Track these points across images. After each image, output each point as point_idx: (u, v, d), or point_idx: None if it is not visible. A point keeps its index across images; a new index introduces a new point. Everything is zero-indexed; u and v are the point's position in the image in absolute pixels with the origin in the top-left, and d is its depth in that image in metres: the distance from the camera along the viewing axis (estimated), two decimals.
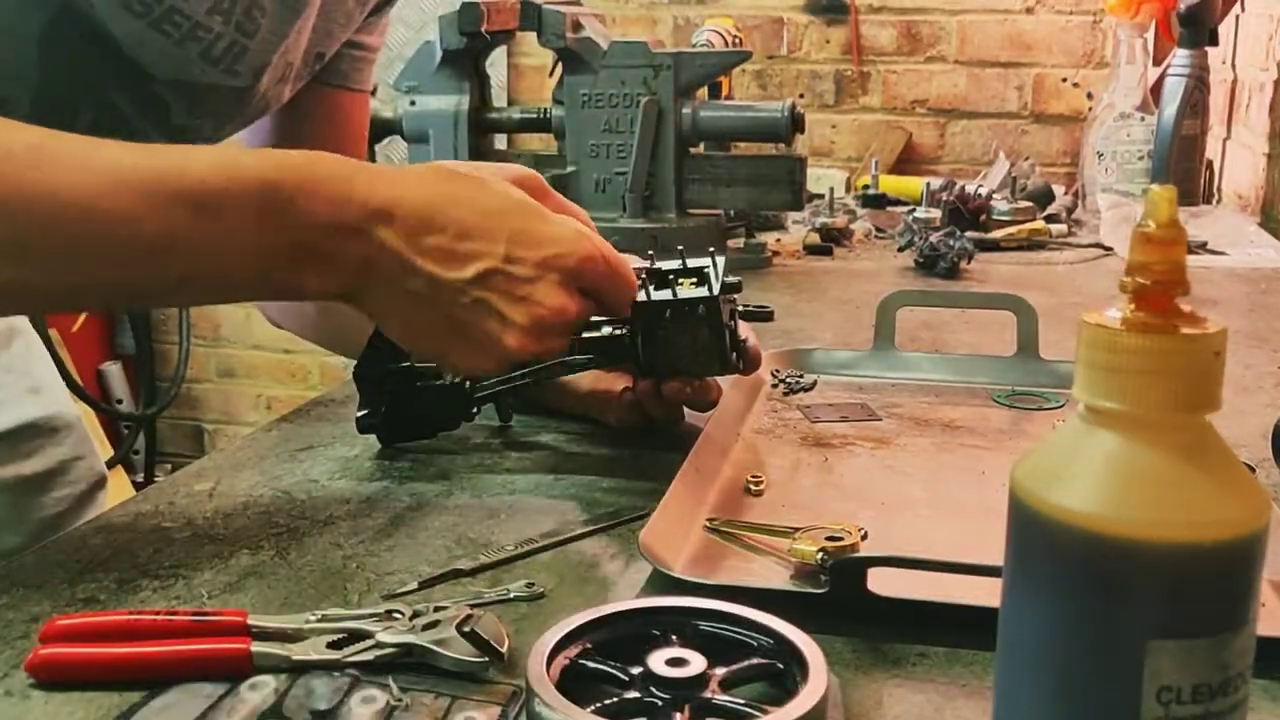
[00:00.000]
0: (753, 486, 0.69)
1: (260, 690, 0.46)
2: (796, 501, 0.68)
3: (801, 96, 2.66)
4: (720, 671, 0.45)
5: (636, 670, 0.45)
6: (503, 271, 0.61)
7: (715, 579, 0.56)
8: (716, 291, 0.69)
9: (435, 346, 0.64)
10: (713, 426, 0.76)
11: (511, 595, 0.55)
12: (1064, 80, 2.56)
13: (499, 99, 2.48)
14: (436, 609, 0.50)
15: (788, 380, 0.91)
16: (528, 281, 0.61)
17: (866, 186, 1.97)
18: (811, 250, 1.51)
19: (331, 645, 0.49)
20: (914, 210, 1.61)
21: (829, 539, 0.58)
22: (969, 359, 0.94)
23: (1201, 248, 1.54)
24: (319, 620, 0.50)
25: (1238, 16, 2.04)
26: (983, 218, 1.62)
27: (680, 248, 0.71)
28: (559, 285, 0.62)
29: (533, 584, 0.56)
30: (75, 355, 2.93)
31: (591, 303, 0.65)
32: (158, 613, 0.50)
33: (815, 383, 0.92)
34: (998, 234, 1.58)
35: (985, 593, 0.44)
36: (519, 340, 0.62)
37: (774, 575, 0.58)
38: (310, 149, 0.62)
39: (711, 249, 0.72)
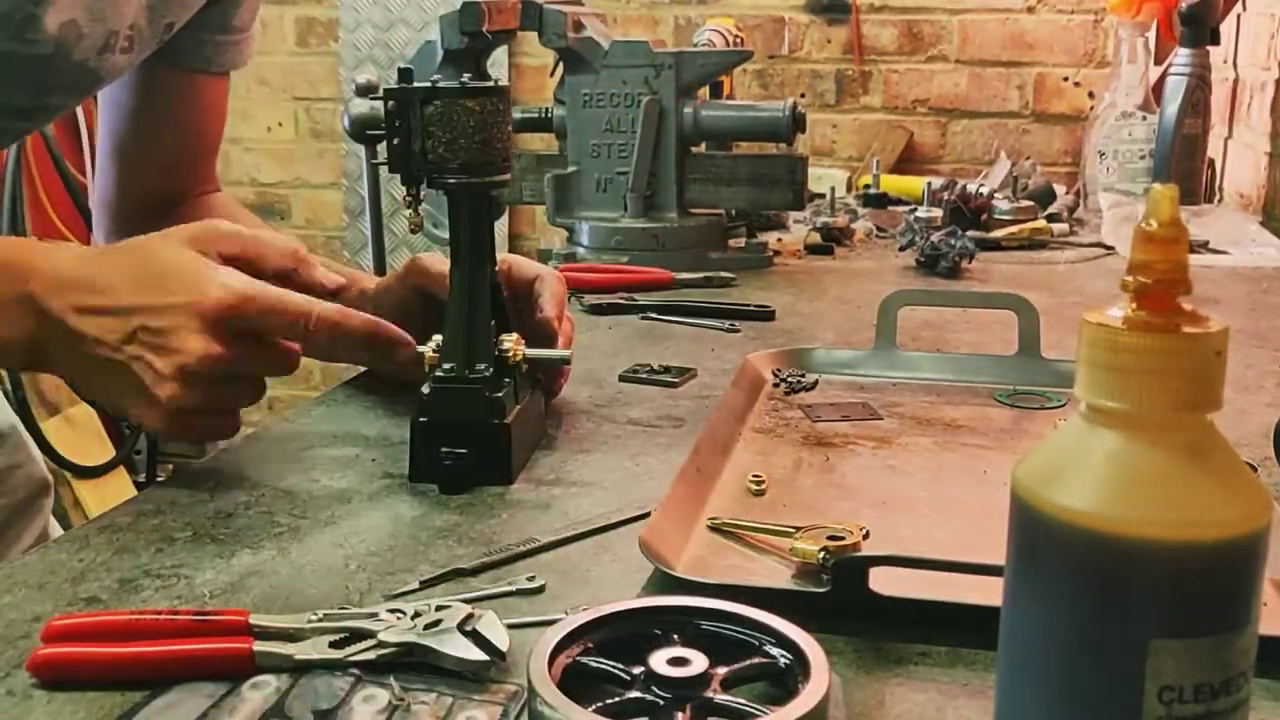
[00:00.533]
0: (754, 486, 0.69)
1: (262, 690, 0.47)
2: (798, 501, 0.68)
3: (803, 96, 2.66)
4: (722, 671, 0.45)
5: (638, 670, 0.45)
6: (146, 327, 0.65)
7: (716, 579, 0.56)
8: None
9: (112, 401, 0.69)
10: (714, 426, 0.76)
11: (514, 588, 0.55)
12: (1065, 79, 2.56)
13: None
14: (439, 608, 0.50)
15: (789, 380, 0.91)
16: (168, 333, 0.65)
17: (868, 186, 1.98)
18: (813, 250, 1.51)
19: (333, 644, 0.49)
20: (915, 210, 1.61)
21: (830, 538, 0.58)
22: (971, 358, 0.94)
23: (1203, 247, 1.53)
24: (320, 620, 0.50)
25: (1239, 15, 2.03)
26: (984, 217, 1.62)
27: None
28: (198, 332, 0.65)
29: (533, 576, 0.56)
30: None
31: (249, 344, 0.67)
32: (159, 612, 0.50)
33: (817, 382, 0.92)
34: (999, 233, 1.58)
35: (987, 592, 0.44)
36: (169, 390, 0.65)
37: (776, 575, 0.58)
38: (168, 131, 0.88)
39: None
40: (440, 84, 0.68)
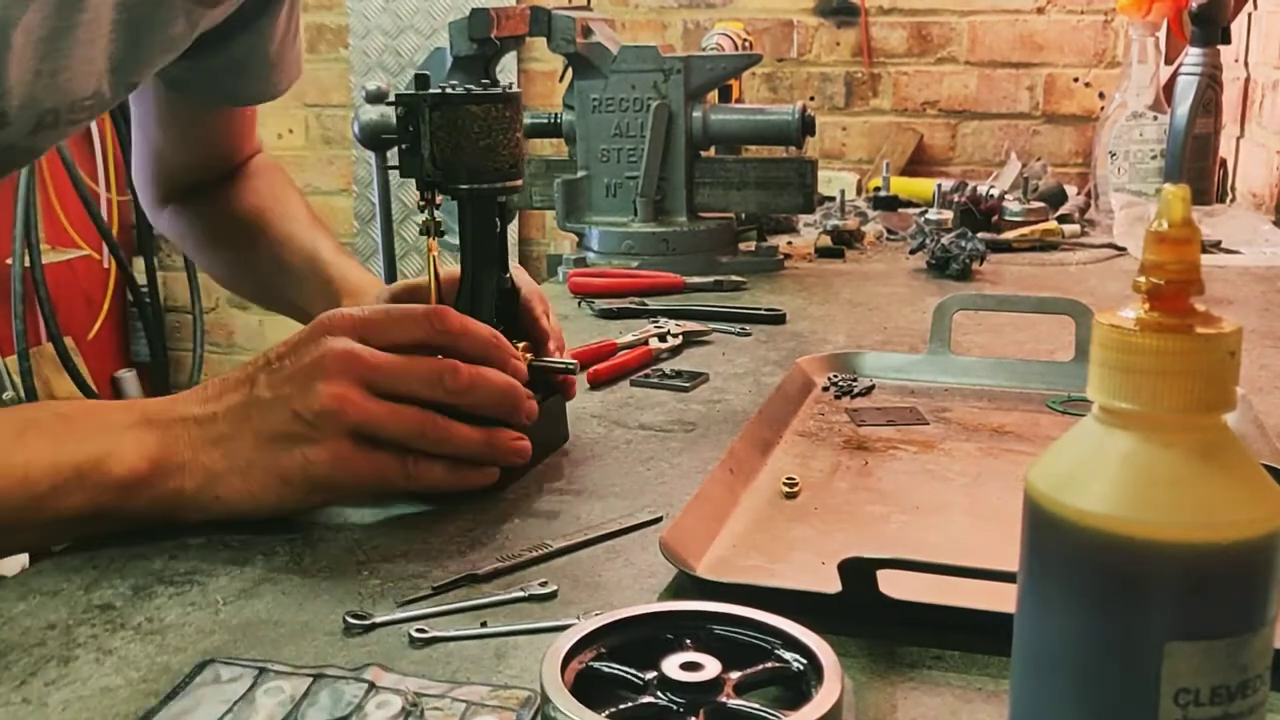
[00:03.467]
0: (786, 488, 0.69)
1: (275, 696, 0.47)
2: (829, 504, 0.68)
3: (812, 99, 2.66)
4: (735, 675, 0.45)
5: (651, 675, 0.45)
6: (280, 364, 0.63)
7: (735, 580, 0.55)
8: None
9: (270, 463, 0.62)
10: (753, 429, 0.76)
11: (526, 594, 0.56)
12: (1075, 80, 2.55)
13: None
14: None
15: (841, 384, 0.91)
16: (306, 362, 0.62)
17: (878, 188, 1.97)
18: (823, 253, 1.51)
19: None
20: (925, 212, 1.61)
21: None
22: (1025, 363, 0.93)
23: (1215, 247, 1.53)
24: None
25: (1250, 14, 2.03)
26: (995, 219, 1.62)
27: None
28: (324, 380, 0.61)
29: (546, 582, 0.56)
30: (91, 362, 2.95)
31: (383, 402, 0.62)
32: None
33: (873, 387, 0.91)
34: (1010, 235, 1.57)
35: (1005, 596, 0.44)
36: (324, 400, 0.61)
37: (798, 578, 0.58)
38: (200, 142, 0.97)
39: None
40: (448, 90, 0.69)
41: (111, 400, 0.65)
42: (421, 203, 0.72)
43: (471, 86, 0.69)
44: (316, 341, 0.63)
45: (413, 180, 0.70)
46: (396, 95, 0.69)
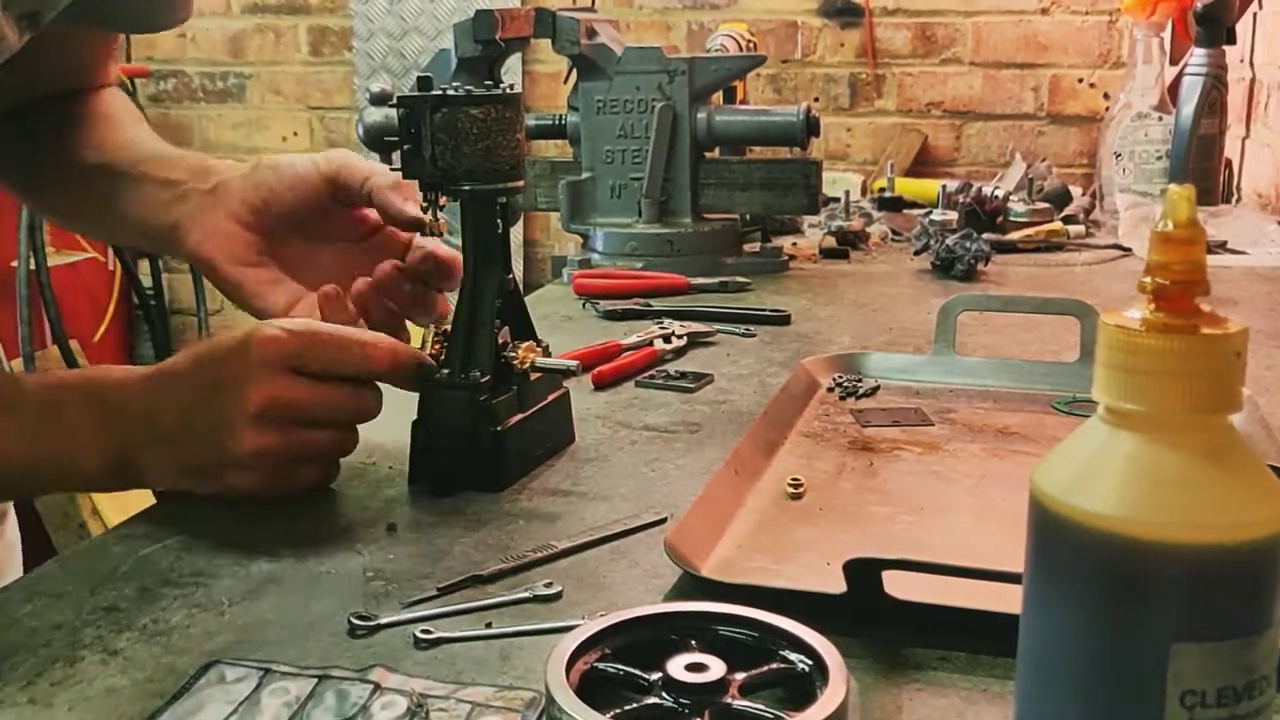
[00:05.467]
0: (791, 489, 0.69)
1: (281, 697, 0.47)
2: (835, 505, 0.68)
3: (816, 100, 2.66)
4: (740, 677, 0.45)
5: (656, 676, 0.45)
6: (210, 386, 0.65)
7: (739, 580, 0.55)
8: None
9: (204, 475, 0.67)
10: (758, 430, 0.76)
11: (531, 595, 0.56)
12: (1080, 81, 2.55)
13: None
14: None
15: (846, 385, 0.91)
16: (231, 386, 0.65)
17: (882, 189, 1.97)
18: (827, 254, 1.51)
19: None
20: (930, 213, 1.61)
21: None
22: (1030, 364, 0.93)
23: (1221, 247, 1.53)
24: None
25: (1255, 15, 2.02)
26: (999, 219, 1.62)
27: None
28: (261, 379, 0.64)
29: (551, 583, 0.56)
30: (96, 364, 2.95)
31: (319, 386, 0.66)
32: None
33: (878, 388, 0.91)
34: (1015, 236, 1.57)
35: (1011, 597, 0.44)
36: (248, 440, 0.64)
37: (804, 579, 0.58)
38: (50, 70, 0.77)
39: None
40: (448, 92, 0.69)
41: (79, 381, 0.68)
42: (425, 204, 0.72)
43: (472, 88, 0.70)
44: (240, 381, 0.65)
45: (416, 181, 0.71)
46: (399, 97, 0.70)
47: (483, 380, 0.70)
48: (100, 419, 0.66)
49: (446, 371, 0.70)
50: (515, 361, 0.71)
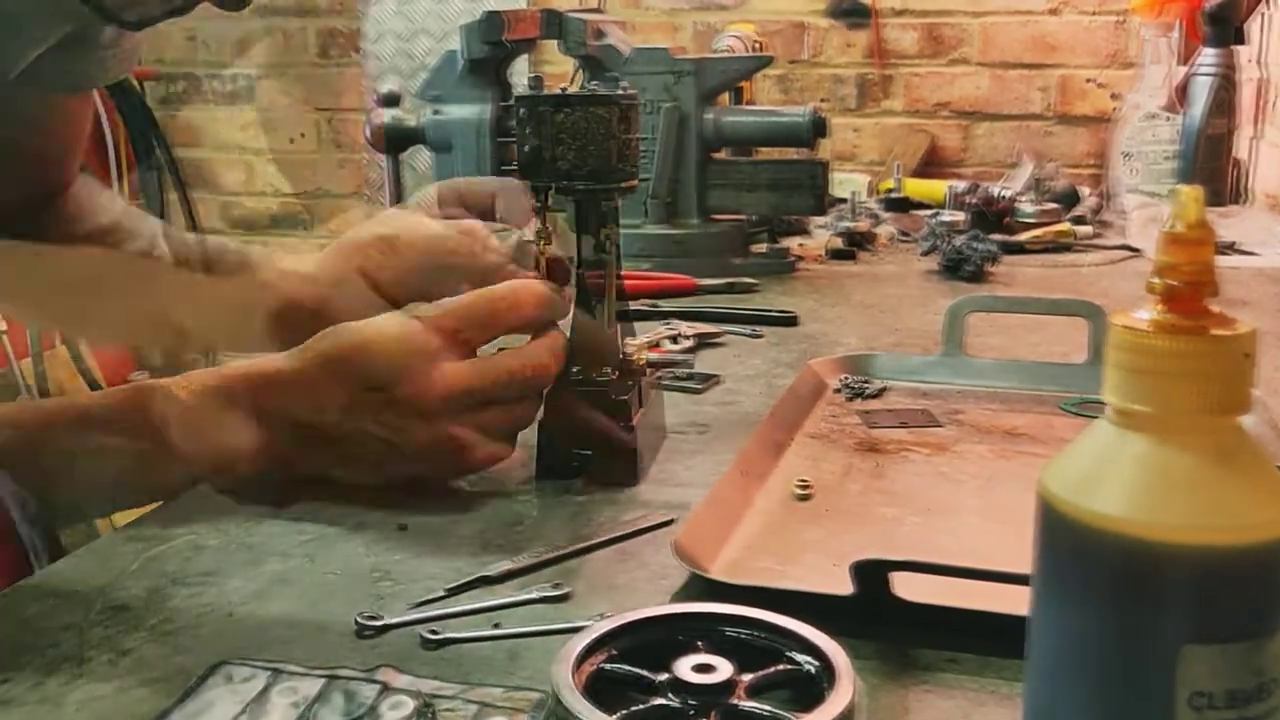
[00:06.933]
0: (799, 490, 0.69)
1: (289, 697, 0.47)
2: (842, 506, 0.68)
3: (824, 101, 2.65)
4: (747, 678, 0.45)
5: (663, 676, 0.45)
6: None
7: (747, 582, 0.55)
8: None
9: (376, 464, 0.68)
10: (765, 431, 0.76)
11: (539, 596, 0.56)
12: (1089, 81, 2.54)
13: None
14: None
15: (853, 386, 0.91)
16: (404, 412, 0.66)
17: (890, 190, 1.97)
18: (835, 255, 1.51)
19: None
20: (938, 213, 1.61)
21: None
22: (1039, 365, 0.92)
23: (1230, 248, 1.52)
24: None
25: (1265, 14, 2.02)
26: (1007, 220, 1.61)
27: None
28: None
29: (559, 584, 0.56)
30: (104, 367, 2.97)
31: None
32: None
33: (884, 389, 0.91)
34: (1023, 236, 1.57)
35: (1020, 599, 0.44)
36: (429, 431, 0.66)
37: (812, 580, 0.58)
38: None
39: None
40: (570, 93, 0.70)
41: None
42: (536, 204, 0.73)
43: (593, 89, 0.71)
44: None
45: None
46: (517, 97, 0.71)
47: (612, 378, 0.71)
48: (258, 416, 0.66)
49: (576, 370, 0.72)
50: (634, 358, 0.73)
